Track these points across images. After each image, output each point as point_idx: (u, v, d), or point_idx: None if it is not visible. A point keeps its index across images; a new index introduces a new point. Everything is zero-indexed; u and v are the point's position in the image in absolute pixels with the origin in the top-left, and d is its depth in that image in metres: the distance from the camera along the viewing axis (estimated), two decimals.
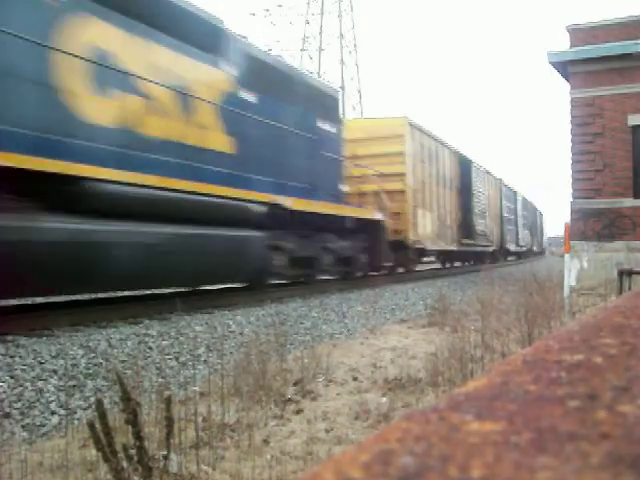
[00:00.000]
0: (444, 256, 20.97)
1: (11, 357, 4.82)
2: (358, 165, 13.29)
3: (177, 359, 5.47)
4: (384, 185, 13.89)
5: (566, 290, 7.93)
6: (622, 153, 14.42)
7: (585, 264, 13.70)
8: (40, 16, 6.04)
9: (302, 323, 7.86)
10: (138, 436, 2.31)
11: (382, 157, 14.35)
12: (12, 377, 4.39)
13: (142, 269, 7.03)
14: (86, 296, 8.84)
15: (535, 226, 40.76)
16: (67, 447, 3.13)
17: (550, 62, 15.15)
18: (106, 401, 3.40)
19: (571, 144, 15.10)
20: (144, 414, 3.22)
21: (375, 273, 14.70)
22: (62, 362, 4.81)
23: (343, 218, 11.68)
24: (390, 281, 14.59)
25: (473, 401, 0.47)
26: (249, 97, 9.22)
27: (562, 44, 20.98)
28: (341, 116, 13.36)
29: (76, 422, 3.94)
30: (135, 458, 2.30)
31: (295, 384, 4.71)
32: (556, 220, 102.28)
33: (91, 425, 2.28)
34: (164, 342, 5.90)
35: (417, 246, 15.73)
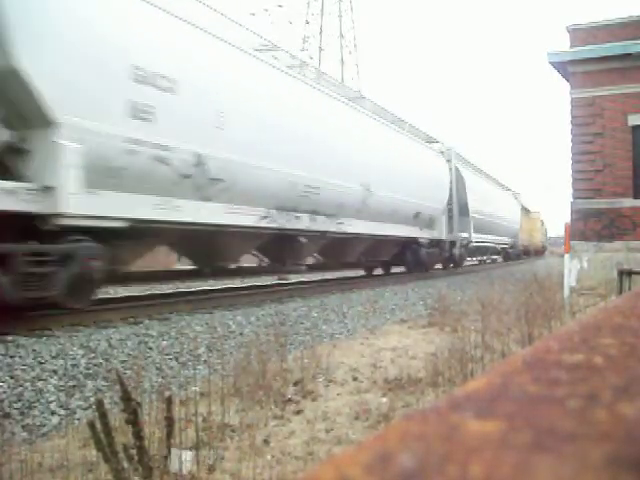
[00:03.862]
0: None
1: (11, 357, 4.82)
2: None
3: (177, 359, 5.48)
4: None
5: (566, 290, 7.93)
6: (622, 153, 14.43)
7: (585, 264, 13.70)
8: None
9: (302, 323, 7.86)
10: (138, 436, 2.31)
11: None
12: (12, 377, 4.39)
13: None
14: None
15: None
16: (67, 447, 3.13)
17: (550, 62, 15.16)
18: (106, 401, 3.40)
19: (571, 144, 15.12)
20: (144, 414, 3.22)
21: None
22: (62, 362, 4.81)
23: None
24: (390, 281, 14.59)
25: (473, 401, 0.47)
26: None
27: (562, 44, 21.01)
28: None
29: (76, 422, 3.94)
30: (135, 458, 2.30)
31: (295, 384, 4.71)
32: (556, 220, 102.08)
33: (92, 425, 2.28)
34: (164, 342, 5.90)
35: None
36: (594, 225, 14.43)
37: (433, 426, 0.42)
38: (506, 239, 29.90)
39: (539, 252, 49.32)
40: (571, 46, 14.99)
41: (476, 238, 21.96)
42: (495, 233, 26.21)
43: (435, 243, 18.08)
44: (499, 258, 32.65)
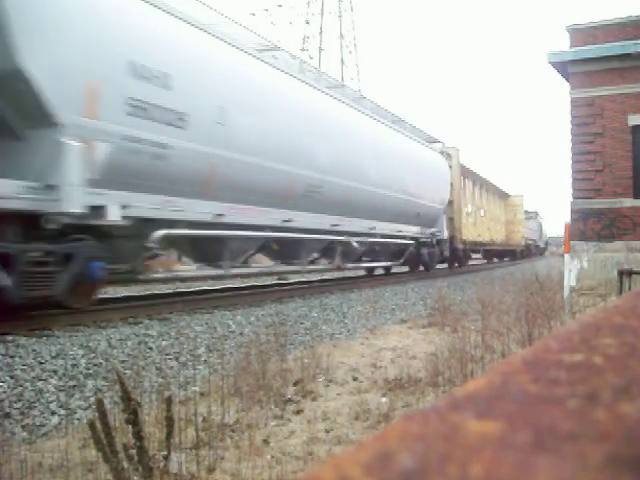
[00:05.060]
0: None
1: (11, 357, 4.82)
2: None
3: (177, 359, 5.47)
4: None
5: (566, 290, 7.93)
6: (622, 153, 14.42)
7: (585, 264, 13.70)
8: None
9: (302, 323, 7.86)
10: (138, 436, 2.31)
11: None
12: (12, 377, 4.39)
13: None
14: None
15: None
16: (67, 447, 3.13)
17: (550, 62, 15.16)
18: (106, 401, 3.40)
19: (571, 144, 15.11)
20: (144, 414, 3.22)
21: None
22: (62, 362, 4.81)
23: None
24: (390, 281, 14.59)
25: (473, 401, 0.47)
26: None
27: (562, 44, 20.99)
28: None
29: (76, 422, 3.94)
30: (135, 458, 2.30)
31: (295, 384, 4.71)
32: (556, 220, 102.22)
33: (92, 425, 2.28)
34: (164, 342, 5.90)
35: None
36: (594, 225, 14.42)
37: (433, 426, 0.42)
38: (410, 229, 15.94)
39: (526, 253, 36.66)
40: (571, 46, 14.99)
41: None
42: (353, 213, 12.58)
43: None
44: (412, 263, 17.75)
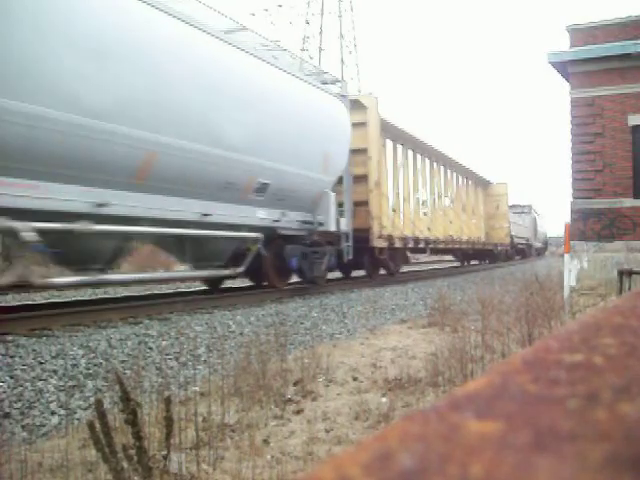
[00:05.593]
0: None
1: (11, 357, 4.82)
2: None
3: (177, 359, 5.47)
4: None
5: (566, 290, 7.93)
6: (622, 153, 14.43)
7: (585, 264, 13.70)
8: None
9: (302, 323, 7.86)
10: (138, 436, 2.31)
11: None
12: (12, 377, 4.39)
13: None
14: (86, 296, 8.84)
15: None
16: (67, 447, 3.13)
17: (550, 62, 15.16)
18: (106, 401, 3.40)
19: (571, 144, 15.11)
20: (144, 414, 3.21)
21: None
22: (62, 362, 4.81)
23: None
24: (390, 281, 14.59)
25: (473, 401, 0.47)
26: None
27: (562, 44, 20.96)
28: None
29: (76, 422, 3.94)
30: (135, 458, 2.30)
31: (295, 384, 4.71)
32: (556, 220, 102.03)
33: (91, 425, 2.28)
34: (164, 342, 5.90)
35: None
36: (594, 225, 14.42)
37: (433, 426, 0.42)
38: (248, 214, 8.84)
39: (512, 254, 29.87)
40: (571, 46, 15.00)
41: None
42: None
43: None
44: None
